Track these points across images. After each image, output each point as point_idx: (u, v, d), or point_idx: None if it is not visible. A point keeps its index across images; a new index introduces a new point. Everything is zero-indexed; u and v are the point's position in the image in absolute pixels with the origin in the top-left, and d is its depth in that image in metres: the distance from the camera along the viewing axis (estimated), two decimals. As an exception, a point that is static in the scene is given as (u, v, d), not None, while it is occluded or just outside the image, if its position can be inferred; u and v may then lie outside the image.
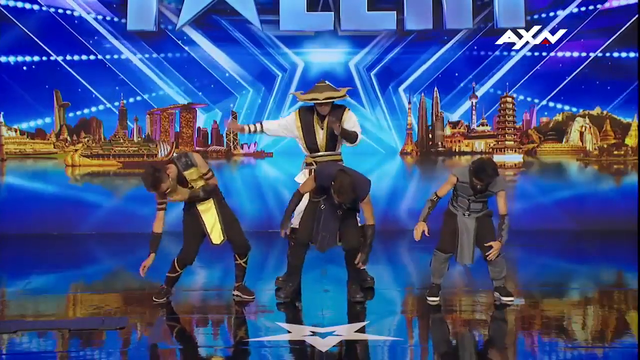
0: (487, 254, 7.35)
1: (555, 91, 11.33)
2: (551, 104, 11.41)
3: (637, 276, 8.42)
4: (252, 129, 7.97)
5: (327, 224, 7.34)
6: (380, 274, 8.47)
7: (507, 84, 11.30)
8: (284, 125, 7.95)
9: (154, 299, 7.48)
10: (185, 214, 7.54)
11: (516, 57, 11.24)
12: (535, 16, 11.20)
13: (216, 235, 7.48)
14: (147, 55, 11.19)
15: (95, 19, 11.09)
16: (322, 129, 7.78)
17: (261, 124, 8.03)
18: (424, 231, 7.29)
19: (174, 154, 7.30)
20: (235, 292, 7.64)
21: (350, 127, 7.74)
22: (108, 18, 11.10)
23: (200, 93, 11.26)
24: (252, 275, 7.99)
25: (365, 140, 10.73)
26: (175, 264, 7.54)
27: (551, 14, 11.21)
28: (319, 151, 7.84)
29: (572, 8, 11.19)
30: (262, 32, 11.12)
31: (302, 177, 7.82)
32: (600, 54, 11.25)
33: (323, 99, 7.63)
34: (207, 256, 7.76)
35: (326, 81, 7.92)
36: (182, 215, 7.57)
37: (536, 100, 11.37)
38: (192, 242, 7.50)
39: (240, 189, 11.39)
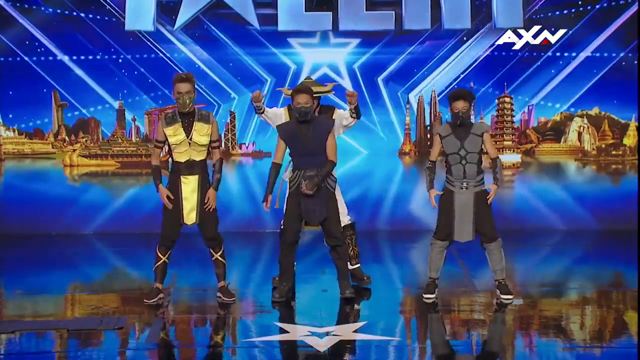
0: (484, 234, 7.37)
1: (553, 91, 11.33)
2: (549, 104, 11.40)
3: (636, 276, 8.41)
4: (262, 109, 7.90)
5: (313, 200, 7.36)
6: (379, 274, 8.47)
7: (505, 83, 11.30)
8: (274, 114, 7.95)
9: (145, 301, 7.45)
10: (168, 191, 7.39)
11: (514, 57, 11.23)
12: (534, 16, 11.19)
13: (192, 216, 7.39)
14: (145, 55, 11.18)
15: (94, 19, 11.08)
16: None
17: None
18: (437, 195, 7.45)
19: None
20: (217, 294, 7.59)
21: (343, 124, 7.86)
22: (106, 18, 11.10)
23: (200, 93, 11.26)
24: (249, 275, 7.99)
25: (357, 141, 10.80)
26: (157, 251, 7.47)
27: (550, 14, 11.21)
28: None
29: (571, 7, 11.19)
30: (259, 31, 11.11)
31: (289, 174, 7.77)
32: (598, 54, 11.24)
33: None
34: (206, 256, 7.74)
35: (312, 77, 7.98)
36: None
37: (534, 100, 11.37)
38: (172, 222, 7.41)
39: (239, 188, 11.38)
